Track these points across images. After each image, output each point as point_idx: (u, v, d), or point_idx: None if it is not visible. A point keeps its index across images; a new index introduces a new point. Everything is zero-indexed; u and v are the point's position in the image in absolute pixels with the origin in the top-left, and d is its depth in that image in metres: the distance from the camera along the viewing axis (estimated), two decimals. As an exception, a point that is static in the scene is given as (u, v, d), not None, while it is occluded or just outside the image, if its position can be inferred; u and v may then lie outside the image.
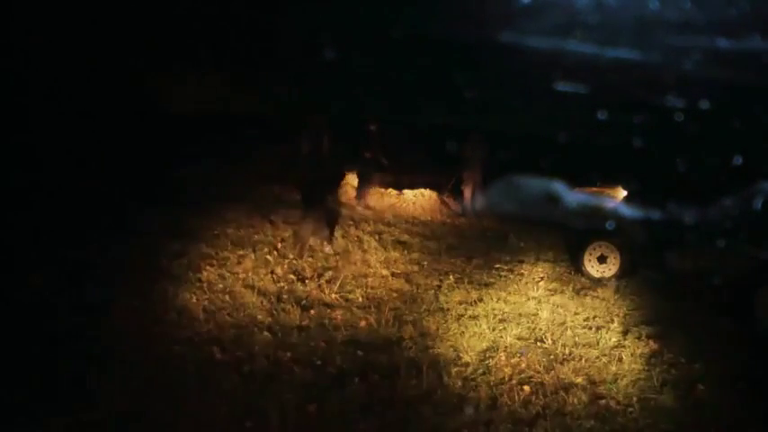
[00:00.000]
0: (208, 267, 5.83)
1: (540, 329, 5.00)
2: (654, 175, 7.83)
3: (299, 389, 3.90)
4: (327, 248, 6.63)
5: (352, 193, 9.74)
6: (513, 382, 4.16)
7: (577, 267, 6.57)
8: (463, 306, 5.43)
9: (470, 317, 5.20)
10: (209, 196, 8.24)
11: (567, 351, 4.65)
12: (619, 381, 4.27)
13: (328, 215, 7.04)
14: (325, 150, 6.48)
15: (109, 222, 6.58)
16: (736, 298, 5.62)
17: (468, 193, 9.34)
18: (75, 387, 3.69)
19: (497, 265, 6.69)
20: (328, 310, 5.14)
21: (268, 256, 6.26)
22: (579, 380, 4.24)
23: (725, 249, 5.72)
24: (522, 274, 6.42)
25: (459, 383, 4.11)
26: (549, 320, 5.20)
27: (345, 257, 6.46)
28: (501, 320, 5.15)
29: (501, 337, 4.82)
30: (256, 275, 5.75)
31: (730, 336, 5.14)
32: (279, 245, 6.67)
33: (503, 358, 4.47)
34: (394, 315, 5.08)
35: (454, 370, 4.27)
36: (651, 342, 4.92)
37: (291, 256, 6.37)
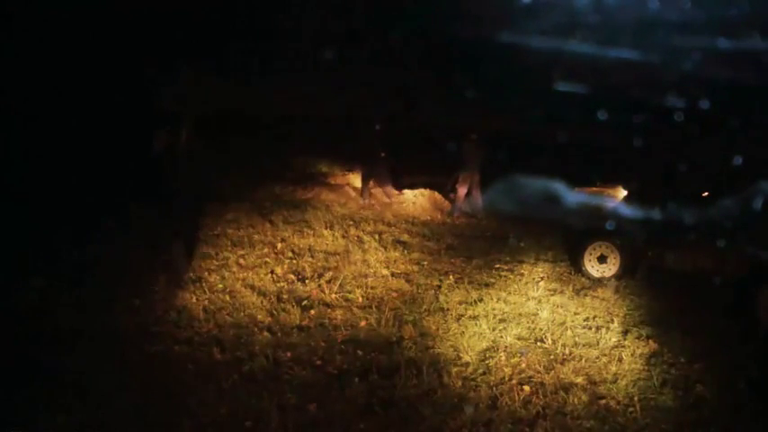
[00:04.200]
0: (208, 267, 5.83)
1: (540, 329, 5.00)
2: (654, 175, 7.83)
3: (299, 389, 3.90)
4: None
5: (352, 193, 9.75)
6: (513, 382, 4.16)
7: (577, 267, 6.56)
8: (463, 306, 5.43)
9: (470, 317, 5.20)
10: (209, 196, 8.22)
11: (567, 351, 4.65)
12: (619, 381, 4.27)
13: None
14: (183, 148, 5.03)
15: (109, 222, 6.58)
16: (736, 298, 5.62)
17: (461, 192, 9.33)
18: (76, 387, 3.69)
19: (497, 265, 6.69)
20: (328, 310, 5.14)
21: (268, 257, 6.27)
22: (579, 380, 4.24)
23: (725, 249, 5.71)
24: (522, 274, 6.42)
25: (459, 383, 4.11)
26: (549, 320, 5.19)
27: (345, 257, 6.46)
28: (501, 320, 5.15)
29: (501, 337, 4.82)
30: (256, 275, 5.75)
31: (730, 336, 5.14)
32: (279, 245, 6.67)
33: (503, 358, 4.47)
34: (394, 315, 5.08)
35: (454, 370, 4.27)
36: (651, 342, 4.91)
37: (291, 256, 6.37)
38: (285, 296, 5.35)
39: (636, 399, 4.05)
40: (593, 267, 6.49)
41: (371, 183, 9.46)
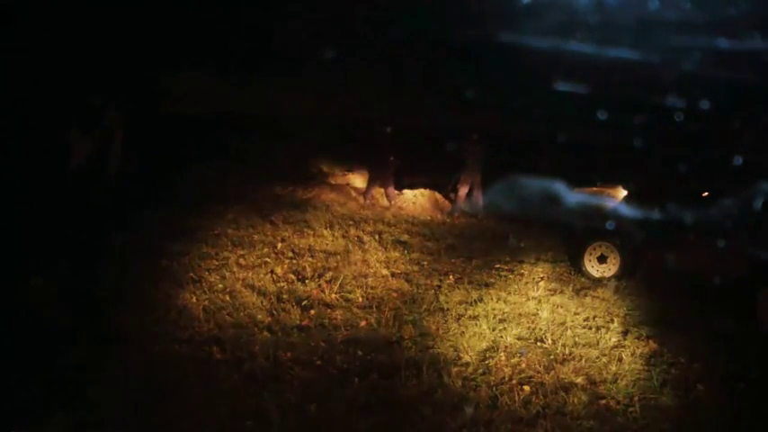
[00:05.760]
0: (208, 267, 5.83)
1: (540, 329, 5.00)
2: (654, 175, 7.84)
3: (299, 389, 3.90)
4: None
5: (352, 193, 9.76)
6: (513, 382, 4.16)
7: (577, 267, 6.56)
8: (463, 306, 5.43)
9: (470, 317, 5.20)
10: (209, 196, 8.23)
11: (566, 351, 4.65)
12: (619, 381, 4.27)
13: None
14: (116, 154, 4.50)
15: (109, 222, 6.58)
16: (736, 298, 5.62)
17: (462, 193, 9.34)
18: (76, 387, 3.69)
19: (497, 265, 6.69)
20: (328, 310, 5.14)
21: (268, 257, 6.26)
22: (579, 380, 4.24)
23: (725, 249, 5.71)
24: (522, 274, 6.42)
25: (459, 383, 4.11)
26: (549, 320, 5.19)
27: (345, 257, 6.46)
28: (501, 320, 5.15)
29: (501, 337, 4.82)
30: (256, 275, 5.75)
31: (730, 336, 5.13)
32: (279, 245, 6.67)
33: (503, 358, 4.47)
34: (394, 315, 5.08)
35: (454, 370, 4.26)
36: (651, 342, 4.91)
37: (291, 256, 6.37)
38: (285, 296, 5.34)
39: (636, 399, 4.05)
40: (593, 267, 6.49)
41: (376, 184, 9.48)
